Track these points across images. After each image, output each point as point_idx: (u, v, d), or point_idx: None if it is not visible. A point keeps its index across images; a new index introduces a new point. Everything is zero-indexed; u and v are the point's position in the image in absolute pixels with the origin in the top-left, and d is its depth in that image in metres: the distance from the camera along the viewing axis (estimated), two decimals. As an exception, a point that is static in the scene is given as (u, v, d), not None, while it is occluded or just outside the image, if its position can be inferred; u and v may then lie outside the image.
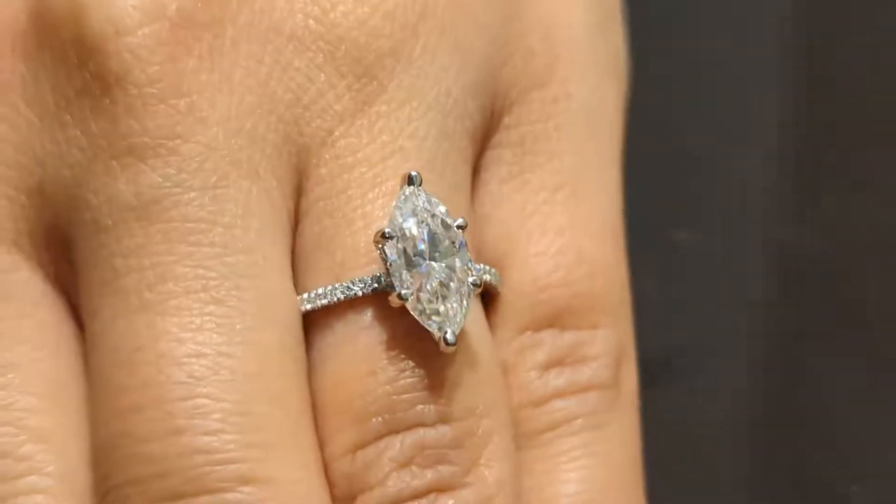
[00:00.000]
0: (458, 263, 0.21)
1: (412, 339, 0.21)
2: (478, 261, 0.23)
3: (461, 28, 0.23)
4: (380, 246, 0.21)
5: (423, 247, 0.21)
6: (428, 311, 0.21)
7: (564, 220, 0.24)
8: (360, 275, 0.21)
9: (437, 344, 0.21)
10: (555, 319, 0.23)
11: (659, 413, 0.26)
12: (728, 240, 0.33)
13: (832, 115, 0.34)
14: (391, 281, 0.21)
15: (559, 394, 0.23)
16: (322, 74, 0.22)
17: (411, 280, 0.21)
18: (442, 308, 0.21)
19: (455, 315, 0.21)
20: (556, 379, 0.23)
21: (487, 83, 0.23)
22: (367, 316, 0.21)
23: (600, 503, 0.23)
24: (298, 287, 0.22)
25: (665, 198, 0.33)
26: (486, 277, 0.22)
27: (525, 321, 0.23)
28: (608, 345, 0.24)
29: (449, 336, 0.20)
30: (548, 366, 0.23)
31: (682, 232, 0.32)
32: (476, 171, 0.24)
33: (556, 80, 0.24)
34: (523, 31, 0.24)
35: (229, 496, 0.20)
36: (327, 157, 0.22)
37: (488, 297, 0.23)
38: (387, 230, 0.21)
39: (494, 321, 0.23)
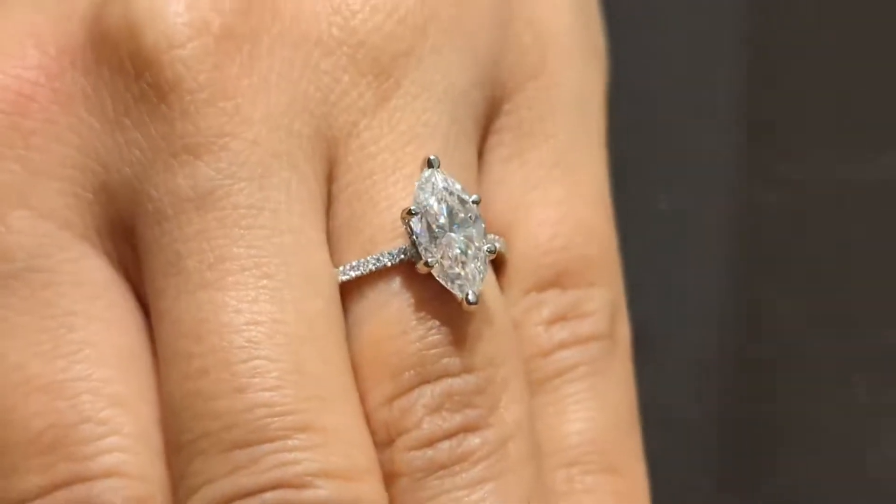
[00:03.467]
0: (474, 233, 0.24)
1: (437, 301, 0.24)
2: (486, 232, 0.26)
3: (464, 28, 0.26)
4: (406, 221, 0.24)
5: (443, 220, 0.24)
6: (451, 276, 0.24)
7: (561, 193, 0.27)
8: (388, 248, 0.24)
9: (459, 304, 0.24)
10: (557, 280, 0.26)
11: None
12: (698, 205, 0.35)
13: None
14: (417, 251, 0.24)
15: (563, 345, 0.26)
16: (346, 75, 0.25)
17: (435, 250, 0.24)
18: (462, 272, 0.24)
19: (475, 278, 0.24)
20: (560, 332, 0.26)
21: (488, 75, 0.26)
22: (396, 283, 0.24)
23: (605, 439, 0.26)
24: (335, 261, 0.25)
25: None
26: (498, 245, 0.25)
27: (530, 283, 0.26)
28: (604, 301, 0.26)
29: (471, 296, 0.24)
30: (552, 321, 0.26)
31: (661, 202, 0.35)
32: (480, 153, 0.27)
33: (547, 71, 0.27)
34: (517, 31, 0.27)
35: (289, 443, 0.23)
36: (354, 146, 0.25)
37: (497, 262, 0.26)
38: (412, 207, 0.24)
39: (503, 284, 0.26)
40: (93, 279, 0.25)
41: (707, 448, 0.34)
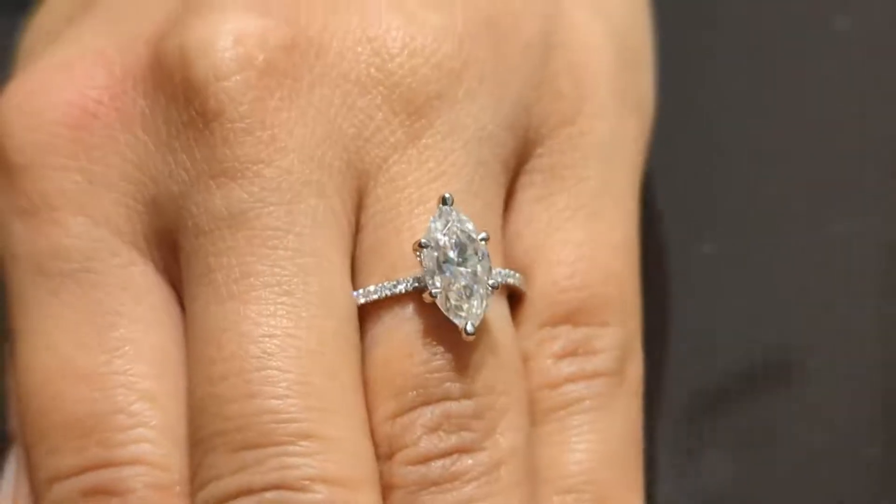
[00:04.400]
0: (479, 269, 0.26)
1: (444, 329, 0.26)
2: (508, 267, 0.28)
3: (499, 73, 0.28)
4: (417, 253, 0.26)
5: (452, 255, 0.25)
6: (454, 308, 0.25)
7: (583, 236, 0.28)
8: (405, 276, 0.26)
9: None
10: (570, 317, 0.28)
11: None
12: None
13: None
14: (427, 282, 0.26)
15: (571, 378, 0.27)
16: (380, 113, 0.27)
17: (441, 282, 0.25)
18: (466, 305, 0.25)
19: (476, 311, 0.25)
20: (569, 366, 0.27)
21: (520, 119, 0.28)
22: (409, 310, 0.26)
23: (602, 471, 0.27)
24: (357, 284, 0.27)
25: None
26: (511, 281, 0.27)
27: (545, 318, 0.28)
28: (615, 340, 0.28)
29: (469, 328, 0.25)
30: (562, 355, 0.27)
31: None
32: (511, 192, 0.28)
33: (582, 117, 0.29)
34: (555, 74, 0.29)
35: (290, 448, 0.25)
36: (383, 180, 0.27)
37: (516, 297, 0.28)
38: (423, 240, 0.25)
39: (520, 318, 0.28)
40: (138, 283, 0.27)
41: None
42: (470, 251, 0.26)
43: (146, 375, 0.27)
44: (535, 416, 0.27)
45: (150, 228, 0.27)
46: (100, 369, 0.26)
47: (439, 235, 0.25)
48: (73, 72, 0.28)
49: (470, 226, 0.26)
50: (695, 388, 0.33)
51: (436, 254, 0.25)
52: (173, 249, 0.27)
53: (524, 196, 0.28)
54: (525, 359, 0.27)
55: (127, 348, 0.27)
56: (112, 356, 0.27)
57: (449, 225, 0.26)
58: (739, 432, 0.33)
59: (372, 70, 0.27)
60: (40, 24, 0.31)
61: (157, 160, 0.27)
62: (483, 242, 0.26)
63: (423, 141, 0.27)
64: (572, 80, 0.29)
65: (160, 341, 0.27)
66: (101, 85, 0.27)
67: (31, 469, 0.27)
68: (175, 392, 0.27)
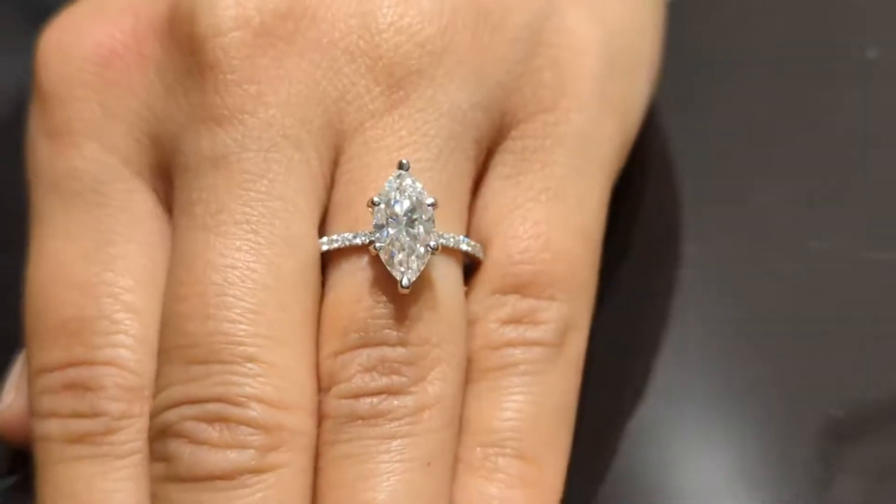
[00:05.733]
0: (421, 230, 0.28)
1: (390, 281, 0.28)
2: (472, 236, 0.30)
3: (480, 59, 0.30)
4: (370, 209, 0.28)
5: (399, 213, 0.28)
6: (394, 263, 0.28)
7: (542, 215, 0.30)
8: (364, 230, 0.29)
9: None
10: (519, 288, 0.30)
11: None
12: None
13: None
14: (374, 236, 0.28)
15: (511, 343, 0.30)
16: (363, 80, 0.30)
17: (386, 238, 0.28)
18: (406, 262, 0.28)
19: (414, 267, 0.28)
20: (512, 332, 0.30)
21: (498, 103, 0.30)
22: (364, 260, 0.29)
23: (527, 432, 0.29)
24: (323, 233, 0.29)
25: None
26: (464, 247, 0.29)
27: (496, 286, 0.30)
28: (558, 314, 0.30)
29: (405, 281, 0.28)
30: (507, 321, 0.30)
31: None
32: (484, 169, 0.31)
33: (560, 108, 0.31)
34: (539, 67, 0.31)
35: (235, 367, 0.28)
36: (358, 141, 0.29)
37: (473, 265, 0.30)
38: (375, 198, 0.28)
39: (474, 283, 0.30)
40: (137, 208, 0.30)
41: None
42: (418, 214, 0.28)
43: (132, 289, 0.30)
44: (472, 373, 0.30)
45: (154, 161, 0.30)
46: (91, 279, 0.30)
47: (393, 195, 0.28)
48: (104, 17, 0.31)
49: (420, 188, 0.28)
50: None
51: (386, 212, 0.28)
52: (170, 181, 0.30)
53: (494, 173, 0.31)
54: (472, 321, 0.30)
55: (118, 263, 0.30)
56: (104, 269, 0.30)
57: (404, 188, 0.28)
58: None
59: (360, 41, 0.30)
60: None
61: (163, 101, 0.30)
62: (430, 207, 0.28)
63: (399, 111, 0.29)
64: (555, 76, 0.31)
65: (149, 261, 0.30)
66: (126, 30, 0.31)
67: (27, 358, 0.31)
68: (155, 308, 0.30)
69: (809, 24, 0.40)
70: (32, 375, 0.30)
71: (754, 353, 0.34)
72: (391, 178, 0.28)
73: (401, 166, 0.28)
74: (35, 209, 0.31)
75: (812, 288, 0.35)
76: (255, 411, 0.28)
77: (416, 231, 0.28)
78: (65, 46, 0.31)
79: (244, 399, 0.28)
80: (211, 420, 0.28)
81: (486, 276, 0.30)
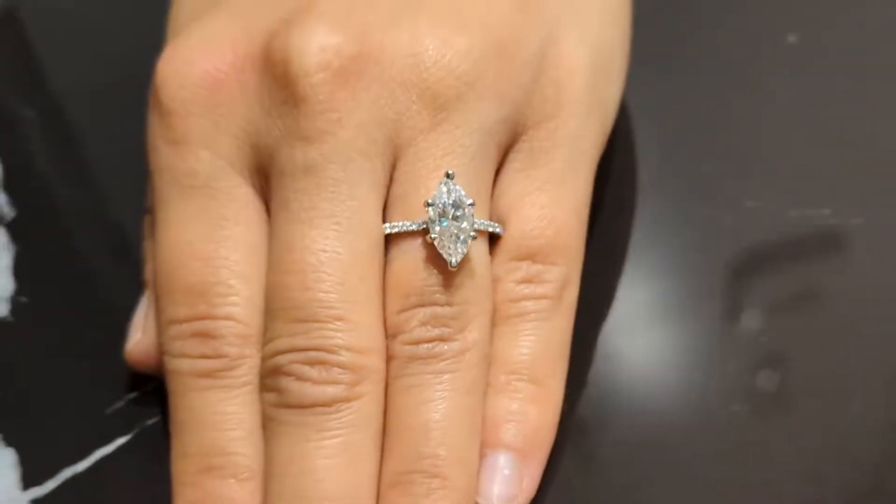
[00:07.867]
0: (465, 224, 0.38)
1: (439, 259, 0.37)
2: (492, 218, 0.39)
3: (501, 83, 0.39)
4: (426, 208, 0.38)
5: (449, 211, 0.38)
6: (446, 248, 0.37)
7: (546, 200, 0.39)
8: (417, 219, 0.38)
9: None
10: (530, 256, 0.38)
11: None
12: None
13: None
14: (430, 228, 0.38)
15: (525, 297, 0.38)
16: (414, 105, 0.38)
17: (438, 229, 0.38)
18: (453, 247, 0.37)
19: (460, 251, 0.37)
20: (525, 289, 0.38)
21: (513, 116, 0.39)
22: (418, 242, 0.37)
23: (537, 362, 0.38)
24: (386, 220, 0.38)
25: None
26: (492, 229, 0.38)
27: (513, 255, 0.38)
28: (560, 275, 0.39)
29: (453, 262, 0.37)
30: (521, 281, 0.38)
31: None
32: (501, 165, 0.40)
33: (559, 116, 0.39)
34: (543, 85, 0.39)
35: (328, 325, 0.36)
36: (411, 151, 0.38)
37: (496, 239, 0.39)
38: (430, 200, 0.37)
39: (496, 252, 0.39)
40: (241, 199, 0.39)
41: None
42: (461, 211, 0.38)
43: (240, 261, 0.38)
44: (496, 321, 0.39)
45: (253, 164, 0.39)
46: (210, 254, 0.38)
47: (443, 198, 0.38)
48: (212, 48, 0.39)
49: (462, 193, 0.38)
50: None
51: (438, 210, 0.38)
52: (267, 180, 0.39)
53: (509, 167, 0.40)
54: (495, 281, 0.39)
55: (229, 242, 0.38)
56: (218, 245, 0.38)
57: (450, 191, 0.38)
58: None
59: (412, 76, 0.38)
60: (186, 2, 0.42)
61: (261, 120, 0.38)
62: (471, 206, 0.38)
63: (442, 128, 0.38)
64: (555, 91, 0.40)
65: (253, 239, 0.38)
66: (229, 62, 0.39)
67: (157, 311, 0.40)
68: (259, 275, 0.38)
69: (738, 15, 0.49)
70: (164, 325, 0.39)
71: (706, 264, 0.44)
72: (441, 184, 0.38)
73: (448, 176, 0.38)
74: (159, 198, 0.40)
75: (747, 238, 0.45)
76: (343, 356, 0.37)
77: (460, 224, 0.38)
78: (180, 73, 0.39)
79: (336, 347, 0.37)
80: (312, 363, 0.36)
81: (505, 247, 0.39)
